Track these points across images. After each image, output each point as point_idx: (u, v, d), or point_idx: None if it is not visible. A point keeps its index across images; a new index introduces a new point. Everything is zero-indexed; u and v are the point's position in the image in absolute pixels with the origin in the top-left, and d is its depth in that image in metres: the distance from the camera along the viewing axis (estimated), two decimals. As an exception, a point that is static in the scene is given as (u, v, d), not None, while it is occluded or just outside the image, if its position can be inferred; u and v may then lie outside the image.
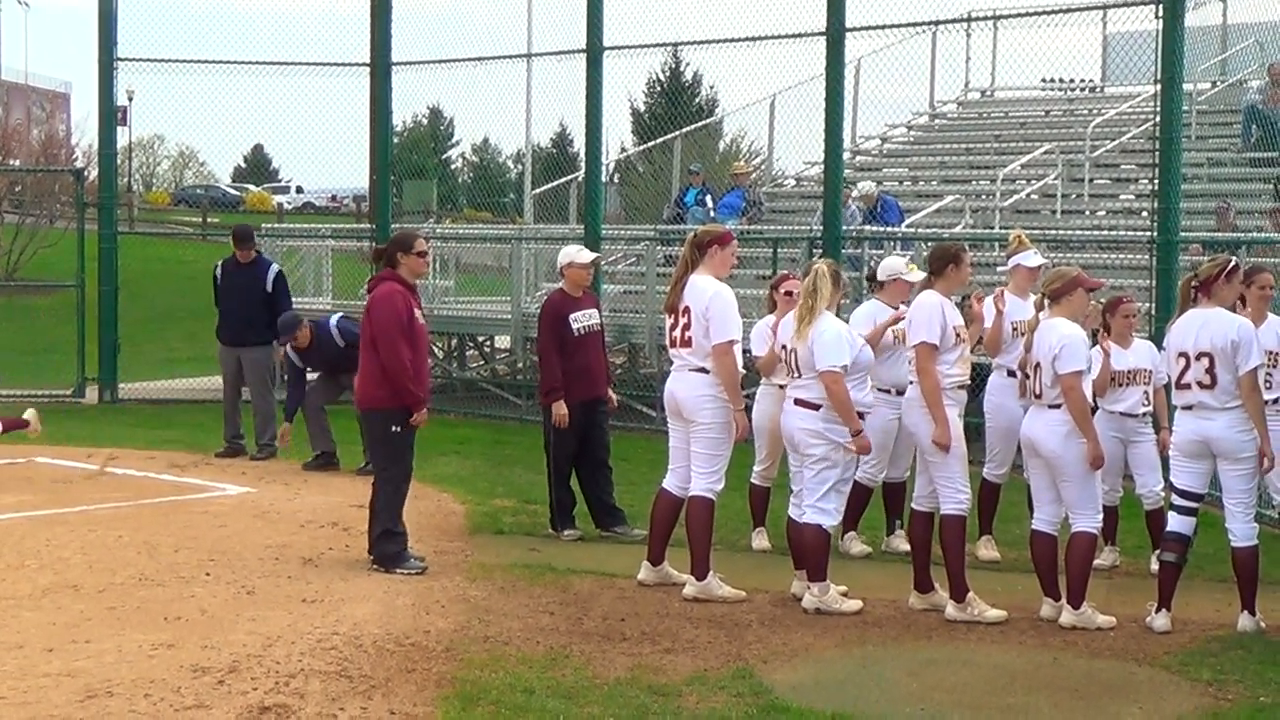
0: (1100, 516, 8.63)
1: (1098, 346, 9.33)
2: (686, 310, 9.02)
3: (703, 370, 8.99)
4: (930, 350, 8.72)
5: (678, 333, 9.11)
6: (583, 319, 10.66)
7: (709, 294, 8.95)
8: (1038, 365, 8.46)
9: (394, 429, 9.57)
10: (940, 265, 9.03)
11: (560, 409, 10.53)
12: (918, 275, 9.86)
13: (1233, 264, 8.52)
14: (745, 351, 10.31)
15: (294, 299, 15.76)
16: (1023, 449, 8.88)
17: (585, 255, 10.90)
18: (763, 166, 24.22)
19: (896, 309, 9.78)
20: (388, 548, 9.53)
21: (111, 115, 19.42)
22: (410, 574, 9.36)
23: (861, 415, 8.68)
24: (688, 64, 40.40)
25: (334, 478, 13.16)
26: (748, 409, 10.34)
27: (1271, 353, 9.05)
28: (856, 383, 8.63)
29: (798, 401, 8.68)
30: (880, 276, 10.15)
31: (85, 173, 23.61)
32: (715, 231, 9.33)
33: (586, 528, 10.77)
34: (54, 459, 13.80)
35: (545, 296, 19.52)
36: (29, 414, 13.05)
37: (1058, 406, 8.39)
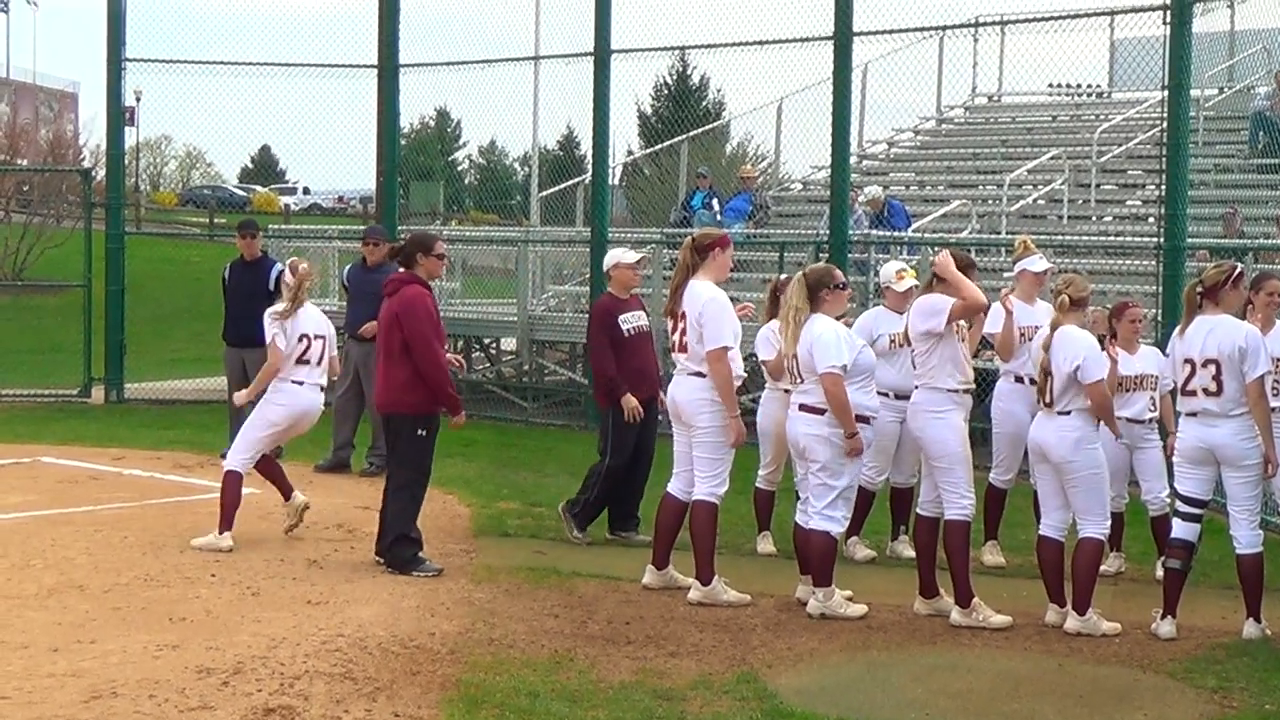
0: (1108, 523, 8.62)
1: (1104, 352, 9.32)
2: (684, 315, 9.04)
3: (700, 375, 9.00)
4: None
5: (676, 337, 9.14)
6: (632, 320, 10.57)
7: (703, 300, 8.97)
8: (1050, 372, 8.44)
9: (420, 432, 9.57)
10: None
11: (630, 401, 10.41)
12: (907, 284, 9.85)
13: (1239, 270, 8.51)
14: (751, 356, 10.32)
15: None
16: (1030, 454, 8.87)
17: (631, 256, 10.83)
18: (769, 170, 24.21)
19: (900, 314, 9.77)
20: (403, 551, 9.53)
21: (119, 115, 19.44)
22: (425, 576, 9.37)
23: (868, 419, 8.68)
24: (695, 67, 40.33)
25: (340, 480, 13.16)
26: (753, 413, 10.36)
27: (1278, 360, 9.02)
28: (860, 386, 8.62)
29: (802, 407, 8.68)
30: (882, 283, 10.19)
31: (93, 173, 23.61)
32: (714, 235, 9.35)
33: (595, 531, 10.73)
34: (60, 459, 13.81)
35: (545, 301, 19.81)
36: None
37: (1067, 413, 8.38)
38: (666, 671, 7.47)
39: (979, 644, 8.27)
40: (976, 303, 8.74)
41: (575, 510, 10.69)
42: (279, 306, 10.53)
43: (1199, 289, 8.45)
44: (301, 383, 10.53)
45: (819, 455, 8.58)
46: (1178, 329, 8.62)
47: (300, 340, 10.51)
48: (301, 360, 10.52)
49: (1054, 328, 8.55)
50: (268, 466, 10.71)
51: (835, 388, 8.44)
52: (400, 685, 7.11)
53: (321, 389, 10.70)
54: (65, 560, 9.63)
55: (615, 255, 10.86)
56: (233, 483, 10.34)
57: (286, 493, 10.70)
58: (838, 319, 8.73)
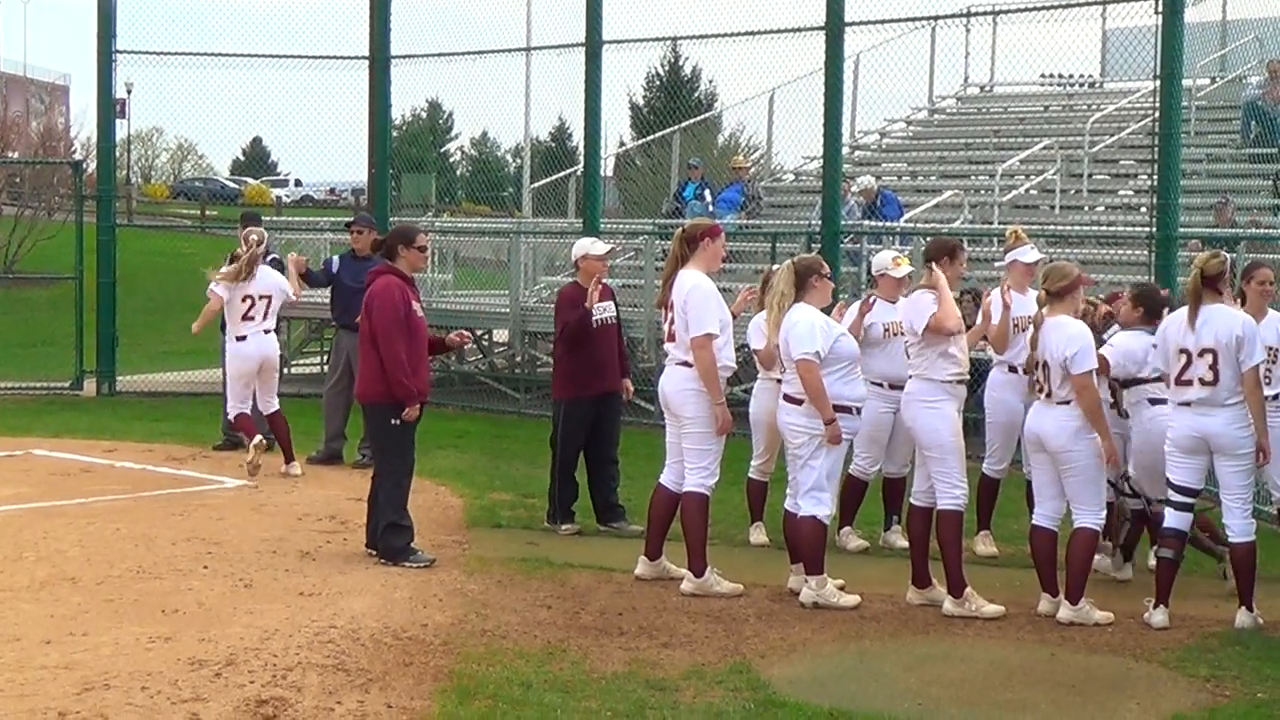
0: (1104, 513, 8.62)
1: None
2: (673, 305, 9.06)
3: (688, 364, 9.00)
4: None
5: (666, 327, 9.16)
6: (598, 311, 10.59)
7: (687, 288, 8.98)
8: (1045, 363, 8.43)
9: (393, 422, 9.57)
10: (937, 257, 9.02)
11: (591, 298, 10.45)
12: (904, 270, 9.85)
13: (1229, 260, 8.51)
14: (743, 346, 10.32)
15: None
16: (1026, 444, 8.87)
17: (600, 247, 10.83)
18: (762, 161, 24.20)
19: (894, 303, 9.76)
20: (394, 541, 9.52)
21: (110, 108, 19.40)
22: (417, 567, 9.36)
23: (851, 410, 8.66)
24: (687, 58, 40.39)
25: (332, 471, 13.15)
26: (744, 403, 10.36)
27: (1271, 349, 9.04)
28: (844, 375, 8.61)
29: (786, 397, 8.70)
30: (873, 272, 10.19)
31: (84, 165, 23.58)
32: (704, 225, 9.35)
33: (585, 522, 10.75)
34: (52, 451, 13.79)
35: (538, 292, 19.80)
36: None
37: (1066, 403, 8.37)
38: (659, 662, 7.47)
39: (972, 633, 8.28)
40: (943, 327, 8.74)
41: (550, 513, 10.75)
42: (225, 269, 12.81)
43: (1202, 279, 8.37)
44: (245, 337, 12.84)
45: (800, 444, 8.60)
46: (1185, 320, 8.47)
47: (244, 300, 12.78)
48: (246, 317, 12.81)
49: (1037, 323, 8.52)
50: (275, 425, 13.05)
51: (809, 374, 8.45)
52: (393, 676, 7.10)
53: (266, 332, 12.93)
54: (57, 553, 9.62)
55: (584, 245, 10.84)
56: (243, 420, 12.85)
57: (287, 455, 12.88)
58: (824, 309, 8.75)
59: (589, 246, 10.80)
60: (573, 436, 10.64)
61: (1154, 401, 9.01)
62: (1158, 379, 8.83)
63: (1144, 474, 9.16)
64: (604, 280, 10.78)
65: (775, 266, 10.79)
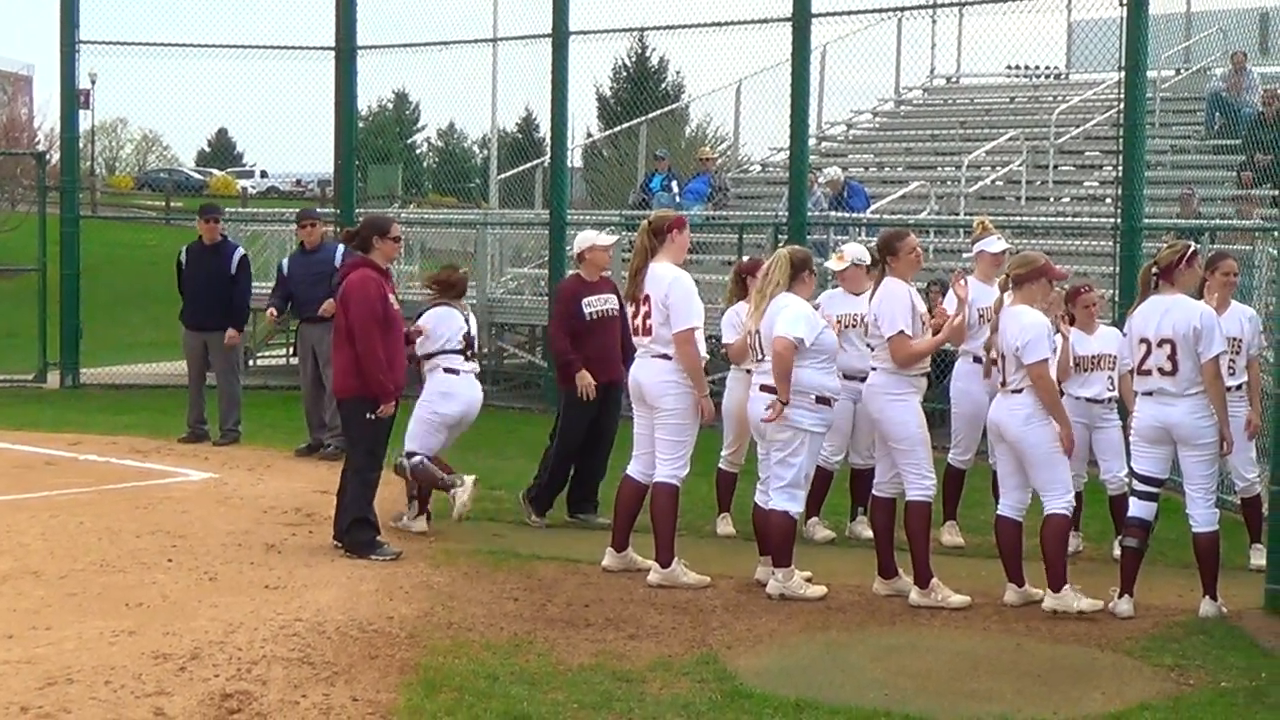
0: (1071, 497, 8.65)
1: (1059, 333, 9.35)
2: (647, 298, 9.00)
3: (665, 357, 8.98)
4: (905, 341, 8.67)
5: (639, 321, 9.10)
6: (597, 304, 10.41)
7: (668, 281, 8.94)
8: (1003, 353, 8.46)
9: (368, 416, 9.52)
10: (883, 255, 9.00)
11: (584, 378, 10.29)
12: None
13: (1192, 249, 8.54)
14: (712, 338, 10.30)
15: (258, 283, 15.70)
16: (989, 435, 8.90)
17: (605, 239, 10.63)
18: (728, 152, 24.22)
19: (858, 295, 9.76)
20: (360, 536, 9.49)
21: (74, 98, 19.28)
22: (383, 560, 9.33)
23: (829, 401, 8.66)
24: (654, 49, 40.39)
25: (298, 464, 13.09)
26: (717, 394, 10.35)
27: (1234, 339, 9.10)
28: (823, 368, 8.61)
29: (763, 387, 8.67)
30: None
31: (47, 156, 23.43)
32: (669, 217, 9.32)
33: (552, 514, 10.70)
34: (15, 444, 13.70)
35: (505, 283, 19.77)
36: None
37: (1019, 392, 8.40)
38: (626, 654, 7.47)
39: (938, 624, 8.30)
40: (907, 352, 8.72)
41: (532, 495, 10.66)
42: None
43: (1154, 269, 8.49)
44: None
45: (779, 435, 8.59)
46: (1130, 308, 8.66)
47: None
48: None
49: (998, 310, 8.56)
50: None
51: (784, 351, 8.40)
52: (358, 669, 7.08)
53: None
54: (20, 546, 9.55)
55: (589, 237, 10.63)
56: None
57: None
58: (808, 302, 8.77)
59: (594, 238, 10.56)
60: (574, 426, 10.48)
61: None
62: None
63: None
64: (604, 272, 10.68)
65: (748, 259, 10.81)
